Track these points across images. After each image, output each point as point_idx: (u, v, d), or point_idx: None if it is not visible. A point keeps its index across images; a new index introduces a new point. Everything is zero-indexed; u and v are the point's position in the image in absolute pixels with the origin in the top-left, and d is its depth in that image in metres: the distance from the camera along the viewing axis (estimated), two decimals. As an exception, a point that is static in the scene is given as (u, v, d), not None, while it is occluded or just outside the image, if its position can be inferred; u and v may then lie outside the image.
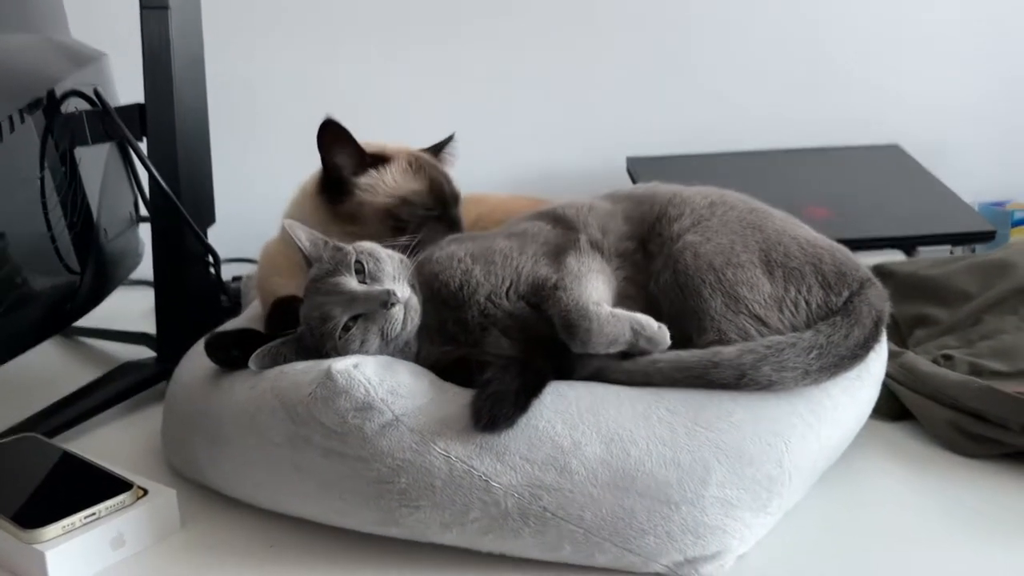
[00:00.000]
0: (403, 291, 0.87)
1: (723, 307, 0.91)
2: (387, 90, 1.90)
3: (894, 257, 1.57)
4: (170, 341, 1.24)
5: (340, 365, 0.82)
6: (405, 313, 0.87)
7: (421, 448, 0.79)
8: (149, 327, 1.52)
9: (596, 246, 0.96)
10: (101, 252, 1.18)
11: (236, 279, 1.54)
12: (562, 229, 0.98)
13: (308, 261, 0.92)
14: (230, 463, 0.90)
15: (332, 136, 1.04)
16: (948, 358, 1.19)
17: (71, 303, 1.12)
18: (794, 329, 0.92)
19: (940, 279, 1.35)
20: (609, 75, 1.94)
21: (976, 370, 1.17)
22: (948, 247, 1.55)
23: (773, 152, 1.85)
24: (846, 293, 0.94)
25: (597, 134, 1.92)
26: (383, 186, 1.05)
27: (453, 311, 0.91)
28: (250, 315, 1.18)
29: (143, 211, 1.39)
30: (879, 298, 0.96)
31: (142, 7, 1.15)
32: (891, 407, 1.11)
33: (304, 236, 0.92)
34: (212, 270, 1.27)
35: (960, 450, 1.03)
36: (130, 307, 1.54)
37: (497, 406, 0.78)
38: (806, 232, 1.00)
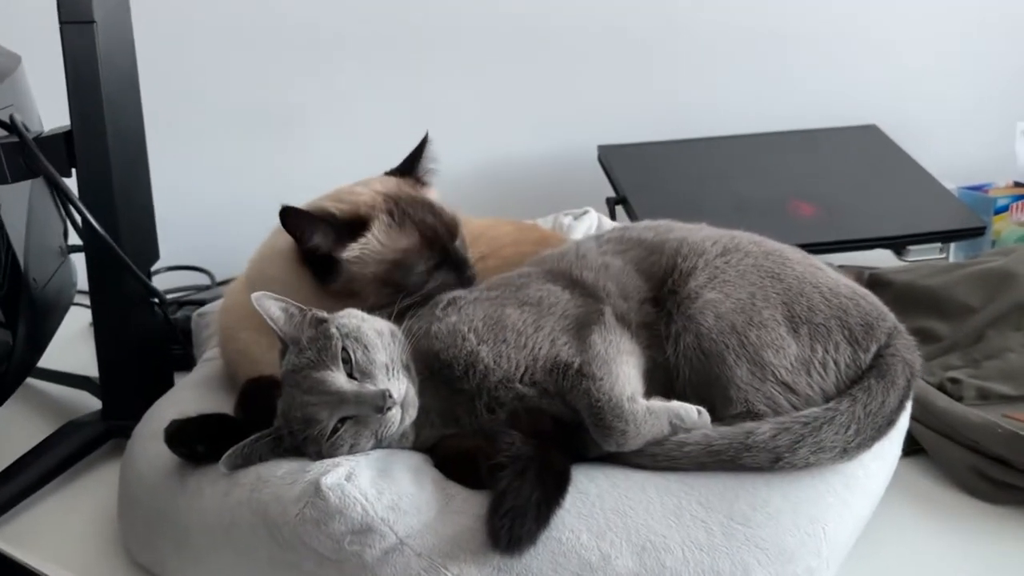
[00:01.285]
0: (399, 388, 0.76)
1: (749, 375, 0.83)
2: (352, 83, 1.75)
3: (883, 256, 1.52)
4: (116, 395, 1.11)
5: (331, 479, 0.71)
6: (403, 411, 0.76)
7: (431, 575, 0.69)
8: (87, 354, 1.39)
9: (622, 319, 0.85)
10: (33, 305, 1.04)
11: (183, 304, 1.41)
12: (581, 296, 0.87)
13: (283, 341, 0.80)
14: (204, 575, 0.80)
15: (297, 222, 0.90)
16: (955, 381, 1.14)
17: (7, 366, 0.98)
18: (823, 393, 0.84)
19: (940, 290, 1.29)
20: (579, 61, 1.81)
21: (984, 394, 1.13)
22: (938, 244, 1.49)
23: (749, 136, 1.77)
24: (874, 348, 0.87)
25: (567, 121, 1.81)
26: (370, 254, 0.91)
27: (456, 393, 0.80)
28: (207, 373, 1.05)
29: (73, 237, 1.24)
30: (909, 350, 0.89)
31: (62, 22, 0.99)
32: (904, 443, 1.05)
33: (276, 311, 0.79)
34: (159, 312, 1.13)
35: (982, 496, 0.98)
36: (63, 329, 1.40)
37: (518, 524, 0.69)
38: (827, 277, 0.91)
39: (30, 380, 1.31)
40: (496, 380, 0.79)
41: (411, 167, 1.02)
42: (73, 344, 1.40)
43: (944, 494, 1.00)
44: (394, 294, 0.87)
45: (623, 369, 0.79)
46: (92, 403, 1.22)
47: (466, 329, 0.81)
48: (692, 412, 0.79)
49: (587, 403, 0.77)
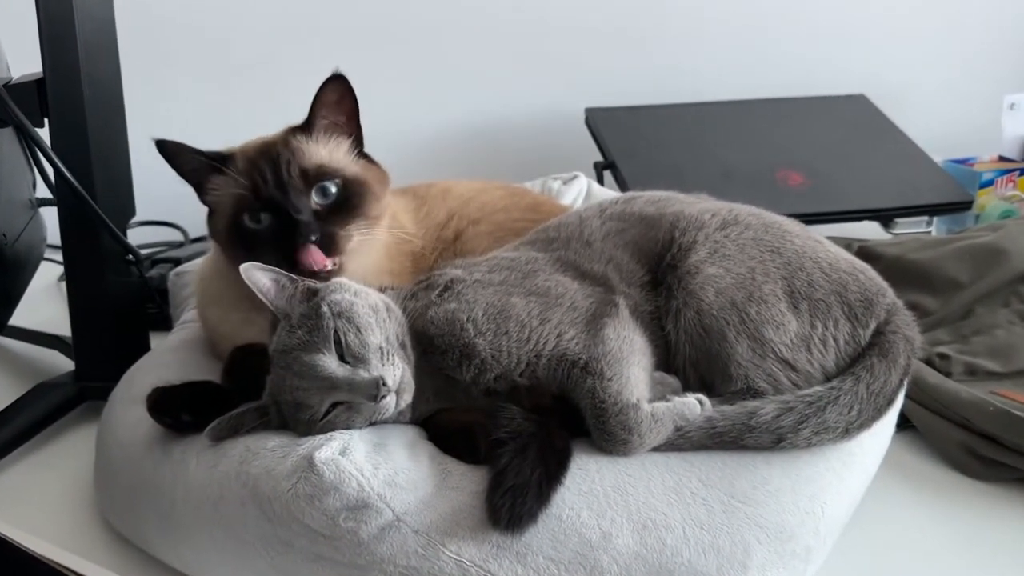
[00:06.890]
0: (394, 374, 0.72)
1: (750, 352, 0.81)
2: (335, 43, 1.69)
3: (871, 229, 1.51)
4: (90, 356, 1.07)
5: (325, 454, 0.68)
6: (397, 397, 0.72)
7: (428, 553, 0.67)
8: (56, 311, 1.34)
9: (635, 311, 0.82)
10: (3, 260, 0.99)
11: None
12: (591, 287, 0.83)
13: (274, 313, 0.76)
14: (190, 550, 0.77)
15: (169, 152, 0.89)
16: (943, 357, 1.14)
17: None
18: (823, 369, 0.83)
19: (929, 264, 1.28)
20: (566, 22, 1.77)
21: (972, 370, 1.13)
22: (926, 217, 1.48)
23: (737, 103, 1.74)
24: (873, 324, 0.86)
25: (554, 84, 1.77)
26: (217, 200, 0.90)
27: (452, 378, 0.77)
28: (187, 336, 1.01)
29: (43, 189, 1.19)
30: (909, 326, 0.87)
31: (35, -37, 0.93)
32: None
33: (266, 282, 0.75)
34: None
35: (973, 474, 0.98)
36: (31, 285, 1.34)
37: (519, 502, 0.67)
38: (826, 252, 0.89)
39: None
40: (494, 374, 0.76)
41: (310, 123, 0.95)
42: (42, 300, 1.36)
43: (934, 471, 1.00)
44: (246, 254, 0.82)
45: (633, 371, 0.76)
46: (63, 362, 1.18)
47: (464, 319, 0.76)
48: (695, 408, 0.77)
49: (590, 403, 0.74)
